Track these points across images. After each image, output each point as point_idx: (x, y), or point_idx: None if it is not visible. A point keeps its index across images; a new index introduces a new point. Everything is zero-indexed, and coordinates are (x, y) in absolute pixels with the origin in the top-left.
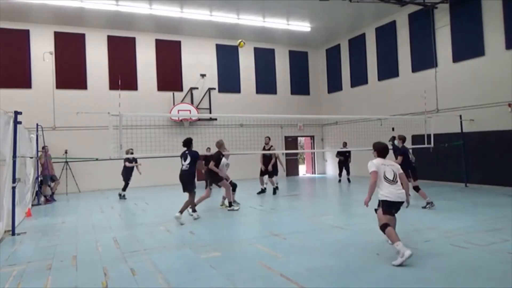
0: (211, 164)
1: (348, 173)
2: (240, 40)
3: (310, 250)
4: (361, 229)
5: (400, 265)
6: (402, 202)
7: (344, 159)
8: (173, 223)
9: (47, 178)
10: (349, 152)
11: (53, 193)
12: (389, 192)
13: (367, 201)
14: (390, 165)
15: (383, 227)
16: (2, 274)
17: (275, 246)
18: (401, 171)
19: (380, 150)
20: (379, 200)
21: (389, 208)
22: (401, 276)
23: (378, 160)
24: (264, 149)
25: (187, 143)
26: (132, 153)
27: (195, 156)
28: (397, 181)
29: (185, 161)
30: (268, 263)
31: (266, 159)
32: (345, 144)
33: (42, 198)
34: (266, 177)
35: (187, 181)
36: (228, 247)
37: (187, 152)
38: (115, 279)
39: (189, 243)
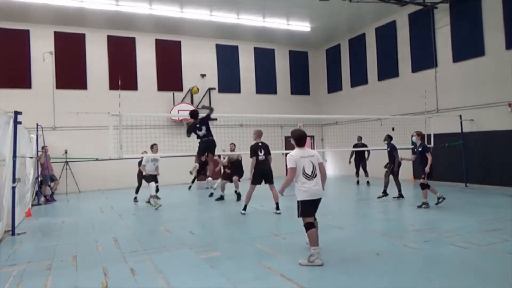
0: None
1: (365, 173)
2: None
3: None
4: (360, 229)
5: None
6: (320, 199)
7: (358, 155)
8: (173, 223)
9: (47, 178)
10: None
11: (52, 193)
12: (306, 189)
13: (281, 191)
14: (310, 156)
15: (307, 226)
16: (2, 274)
17: (275, 246)
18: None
19: (298, 138)
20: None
21: (307, 208)
22: (401, 276)
23: (297, 152)
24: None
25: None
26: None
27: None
28: (316, 175)
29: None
30: (268, 263)
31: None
32: (359, 139)
33: (42, 198)
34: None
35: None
36: (228, 247)
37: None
38: (115, 279)
39: (189, 243)
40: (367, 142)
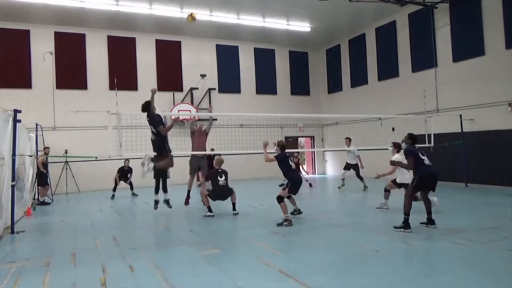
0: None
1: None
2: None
3: (309, 247)
4: (360, 226)
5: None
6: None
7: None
8: (172, 222)
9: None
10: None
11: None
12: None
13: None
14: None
15: (280, 199)
16: (0, 271)
17: (275, 243)
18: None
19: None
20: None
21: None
22: (400, 273)
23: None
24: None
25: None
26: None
27: None
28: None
29: None
30: (267, 259)
31: None
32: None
33: (41, 198)
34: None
35: None
36: (227, 245)
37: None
38: (113, 276)
39: (188, 240)
40: (368, 142)
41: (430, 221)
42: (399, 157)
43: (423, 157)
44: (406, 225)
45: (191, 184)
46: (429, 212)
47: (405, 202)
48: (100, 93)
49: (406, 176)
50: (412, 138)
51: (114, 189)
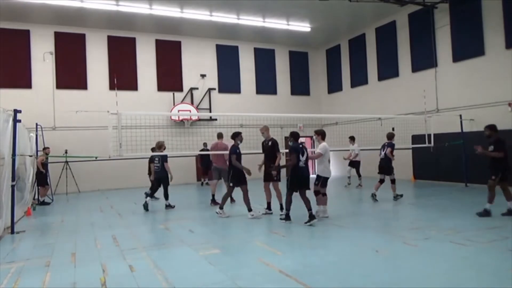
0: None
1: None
2: None
3: (309, 247)
4: (360, 227)
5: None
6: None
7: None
8: (172, 222)
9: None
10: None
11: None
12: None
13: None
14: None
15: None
16: (0, 271)
17: (275, 243)
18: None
19: (324, 133)
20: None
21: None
22: (400, 273)
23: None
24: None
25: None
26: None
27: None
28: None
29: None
30: (267, 259)
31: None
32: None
33: (41, 198)
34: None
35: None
36: (227, 245)
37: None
38: (113, 275)
39: (188, 240)
40: (368, 142)
41: (310, 216)
42: (325, 145)
43: (302, 158)
44: (287, 217)
45: (214, 188)
46: (309, 209)
47: (286, 200)
48: (100, 93)
49: (320, 167)
50: (294, 136)
51: (156, 189)
